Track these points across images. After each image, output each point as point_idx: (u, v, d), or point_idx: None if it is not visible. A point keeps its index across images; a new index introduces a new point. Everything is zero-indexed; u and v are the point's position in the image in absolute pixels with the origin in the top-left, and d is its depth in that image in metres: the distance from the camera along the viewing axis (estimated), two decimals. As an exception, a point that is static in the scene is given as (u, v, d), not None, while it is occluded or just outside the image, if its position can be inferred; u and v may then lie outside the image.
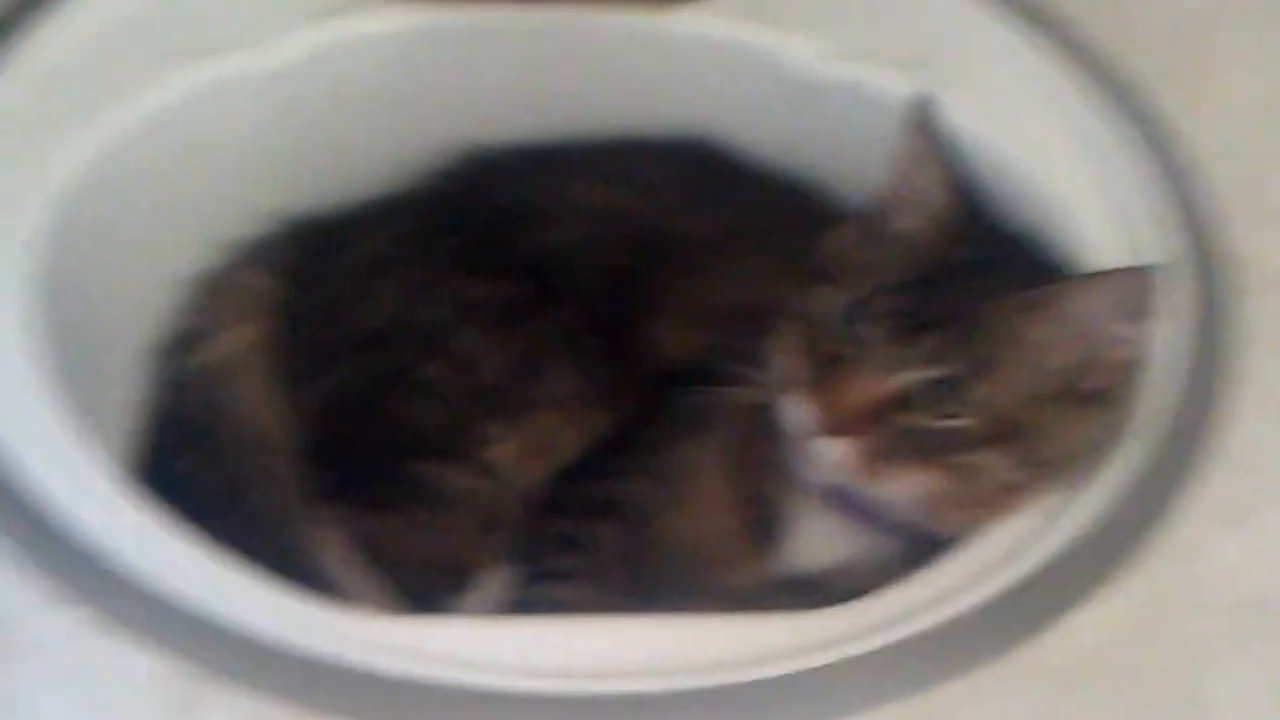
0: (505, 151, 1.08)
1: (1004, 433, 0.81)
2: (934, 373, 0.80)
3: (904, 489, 0.83)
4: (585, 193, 1.05)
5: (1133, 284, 0.81)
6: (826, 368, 0.83)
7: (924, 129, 0.86)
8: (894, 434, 0.81)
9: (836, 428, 0.81)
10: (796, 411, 0.83)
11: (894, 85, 1.04)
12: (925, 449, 0.81)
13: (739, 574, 0.92)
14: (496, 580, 0.97)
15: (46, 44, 0.98)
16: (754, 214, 1.05)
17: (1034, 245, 0.91)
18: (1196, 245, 0.94)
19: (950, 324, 0.81)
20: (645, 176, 1.06)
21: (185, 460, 0.98)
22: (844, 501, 0.88)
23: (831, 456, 0.82)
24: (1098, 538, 0.82)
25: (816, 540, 0.90)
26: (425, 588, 0.97)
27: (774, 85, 1.07)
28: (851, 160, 1.05)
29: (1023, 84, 1.03)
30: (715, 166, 1.09)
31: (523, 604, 0.94)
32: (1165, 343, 0.87)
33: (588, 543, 0.94)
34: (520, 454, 0.97)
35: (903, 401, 0.81)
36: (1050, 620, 0.79)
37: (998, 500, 0.83)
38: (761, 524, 0.91)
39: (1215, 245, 0.95)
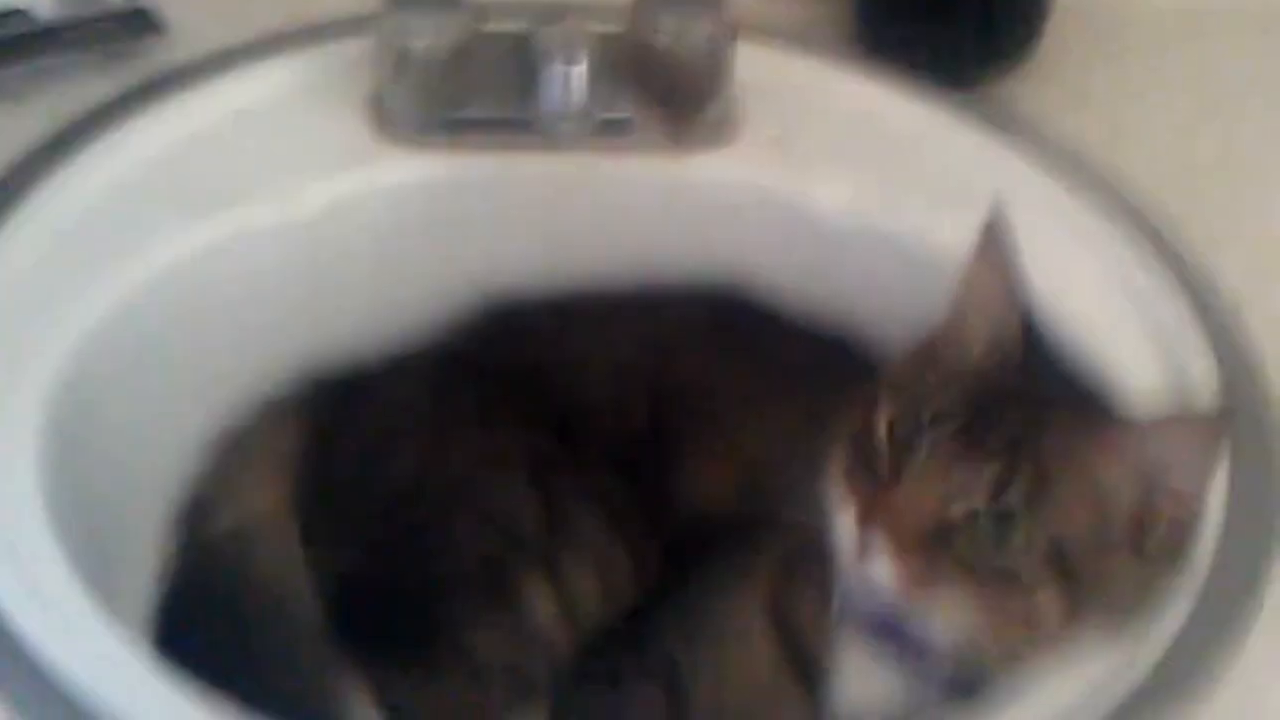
0: (528, 304, 1.05)
1: (1059, 573, 0.77)
2: (996, 502, 0.76)
3: (951, 620, 0.79)
4: (609, 346, 1.02)
5: (1205, 433, 0.77)
6: (881, 489, 0.79)
7: (996, 248, 0.82)
8: (945, 560, 0.77)
9: (887, 547, 0.77)
10: (847, 531, 0.80)
11: (922, 228, 1.03)
12: (976, 580, 0.77)
13: None
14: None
15: (60, 197, 0.96)
16: (785, 363, 1.01)
17: (1097, 382, 0.87)
18: (1240, 388, 0.92)
19: (1014, 454, 0.77)
20: (670, 327, 1.03)
21: (205, 631, 0.94)
22: (892, 643, 0.83)
23: (880, 578, 0.78)
24: (1151, 693, 0.78)
25: (867, 694, 0.85)
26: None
27: (799, 230, 1.05)
28: (879, 305, 1.03)
29: (1054, 224, 1.01)
30: (741, 313, 1.05)
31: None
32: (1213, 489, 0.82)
33: (624, 713, 0.90)
34: (556, 612, 0.93)
35: (959, 528, 0.77)
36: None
37: (1046, 643, 0.79)
38: (808, 679, 0.87)
39: (1259, 388, 0.92)
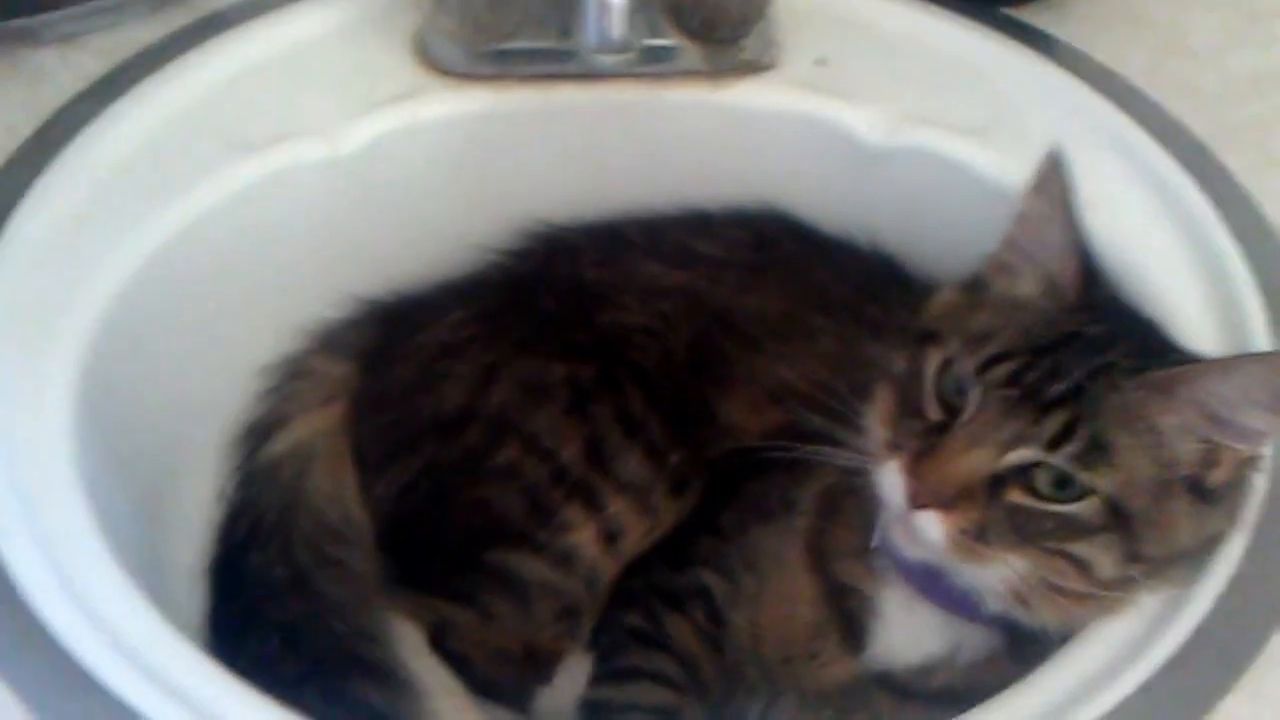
0: (571, 230, 1.02)
1: (1116, 523, 0.71)
2: (1053, 456, 0.70)
3: (1001, 574, 0.73)
4: (651, 270, 0.99)
5: (1275, 371, 0.70)
6: (930, 435, 0.73)
7: (1054, 187, 0.76)
8: (997, 513, 0.71)
9: (937, 501, 0.71)
10: (893, 481, 0.73)
11: (965, 151, 0.99)
12: (1029, 532, 0.71)
13: (827, 672, 0.83)
14: (575, 670, 0.92)
15: (110, 135, 0.94)
16: (824, 284, 0.98)
17: (1155, 320, 0.81)
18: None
19: (1072, 400, 0.70)
20: (712, 251, 1.00)
21: (259, 552, 0.93)
22: (935, 589, 0.78)
23: (928, 532, 0.72)
24: (1206, 646, 0.74)
25: (908, 634, 0.81)
26: (503, 679, 0.92)
27: (841, 154, 1.01)
28: (923, 229, 1.00)
29: (1097, 146, 0.97)
30: (782, 236, 1.02)
31: (594, 705, 0.88)
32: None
33: (661, 638, 0.88)
34: (596, 540, 0.91)
35: (1012, 479, 0.71)
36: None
37: (1099, 596, 0.73)
38: (848, 617, 0.83)
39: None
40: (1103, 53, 1.04)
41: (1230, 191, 0.95)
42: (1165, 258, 0.92)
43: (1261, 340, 0.86)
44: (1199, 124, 0.99)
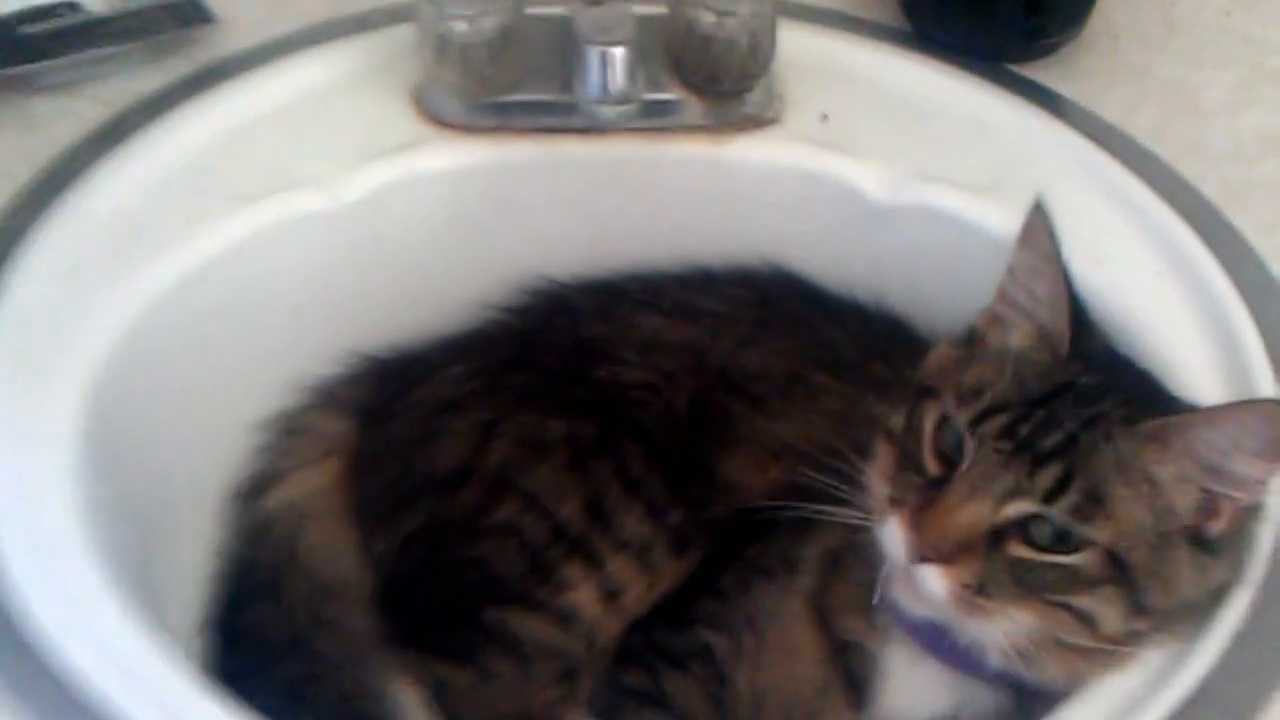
0: (572, 285, 1.02)
1: (1117, 575, 0.71)
2: (1049, 508, 0.70)
3: (1004, 629, 0.73)
4: (653, 326, 0.99)
5: (1268, 418, 0.70)
6: (930, 489, 0.73)
7: (1041, 240, 0.76)
8: (998, 566, 0.71)
9: (938, 554, 0.72)
10: (894, 535, 0.73)
11: (967, 208, 0.98)
12: (1030, 585, 0.71)
13: None
14: (576, 733, 0.90)
15: (111, 184, 0.94)
16: (828, 341, 0.97)
17: (1149, 370, 0.81)
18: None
19: (1067, 452, 0.71)
20: (714, 307, 1.00)
21: (255, 610, 0.92)
22: (939, 645, 0.78)
23: (930, 586, 0.72)
24: (1210, 703, 0.72)
25: (912, 691, 0.80)
26: (503, 740, 0.90)
27: (844, 210, 1.00)
28: (925, 285, 0.99)
29: (1100, 203, 0.97)
30: (786, 293, 1.01)
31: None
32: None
33: (663, 698, 0.86)
34: (596, 599, 0.90)
35: (1011, 532, 0.71)
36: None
37: (1104, 651, 0.73)
38: (852, 675, 0.82)
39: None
40: (1111, 111, 1.04)
41: (1239, 251, 0.94)
42: (1173, 316, 0.91)
43: (1266, 394, 0.85)
44: (1208, 183, 0.98)
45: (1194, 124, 1.03)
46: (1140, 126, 1.02)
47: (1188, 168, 0.99)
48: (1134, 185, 0.98)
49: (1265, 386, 0.86)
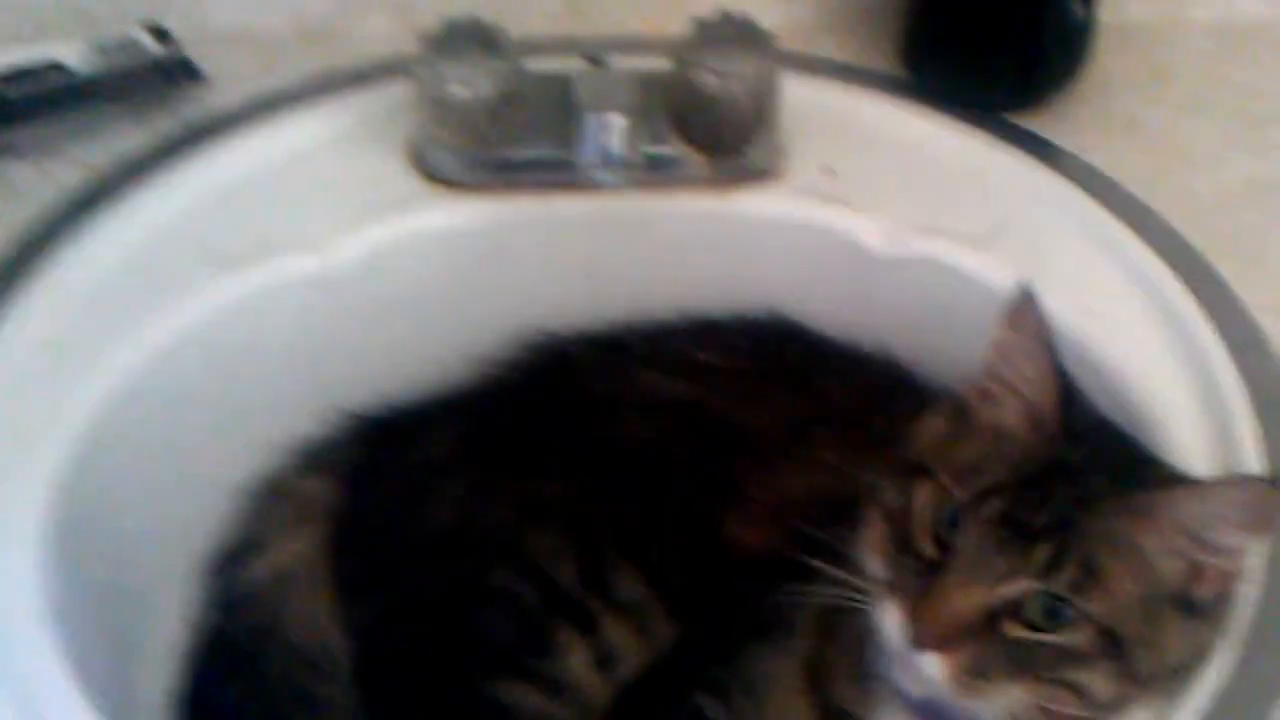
0: (571, 340, 1.01)
1: (1110, 648, 0.72)
2: (1047, 585, 0.71)
3: (1000, 704, 0.74)
4: (652, 380, 0.98)
5: (1254, 494, 0.72)
6: (926, 575, 0.74)
7: (1027, 320, 0.77)
8: (995, 648, 0.72)
9: (938, 642, 0.72)
10: (893, 622, 0.74)
11: (968, 259, 0.98)
12: (1027, 664, 0.72)
13: None
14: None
15: (86, 251, 0.93)
16: (830, 393, 0.97)
17: (1137, 439, 0.82)
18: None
19: (1061, 531, 0.72)
20: (715, 360, 0.99)
21: (232, 688, 0.90)
22: (932, 715, 0.78)
23: (930, 672, 0.73)
24: None
25: None
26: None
27: (846, 263, 1.01)
28: (926, 337, 0.99)
29: (1095, 253, 0.98)
30: (788, 344, 1.01)
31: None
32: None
33: None
34: (590, 665, 0.89)
35: (1006, 613, 0.72)
36: None
37: (1095, 717, 0.74)
38: None
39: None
40: (1102, 160, 1.04)
41: (1223, 300, 0.95)
42: (1158, 367, 0.92)
43: (1250, 449, 0.86)
44: (1195, 231, 0.99)
45: (1183, 173, 1.04)
46: (1130, 175, 1.03)
47: (1175, 215, 1.00)
48: (1125, 235, 0.99)
49: (1247, 435, 0.87)
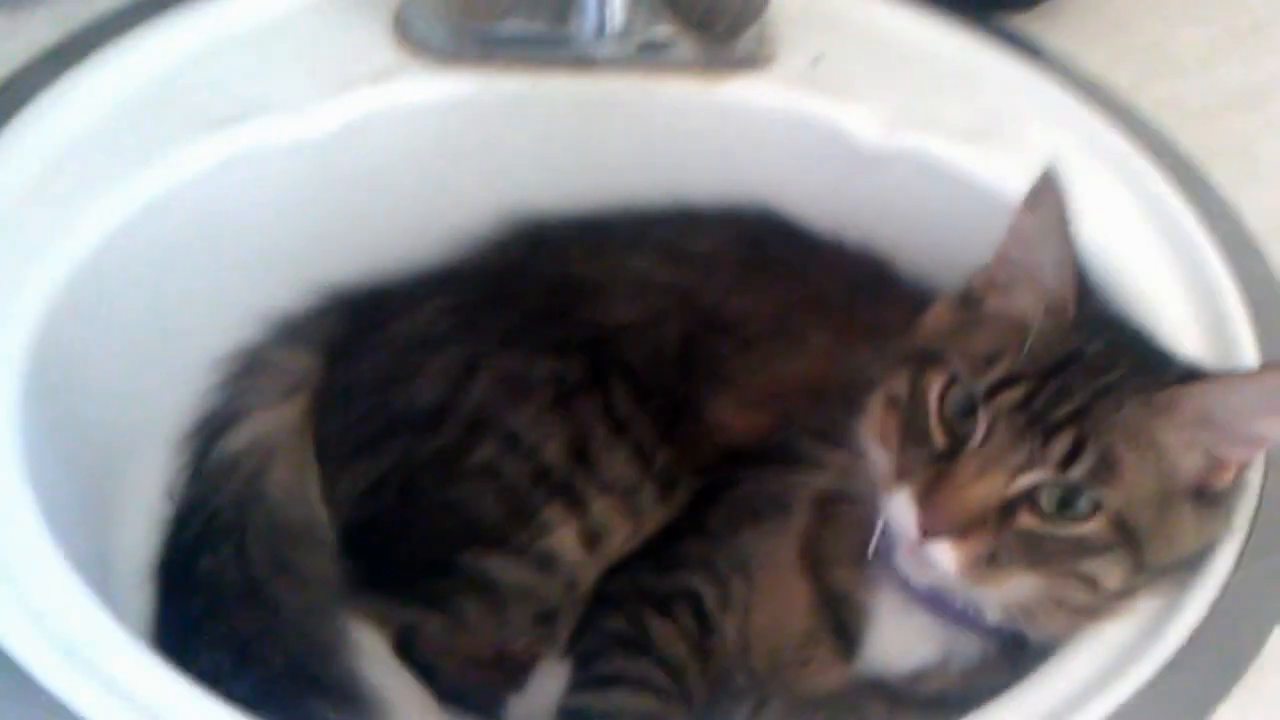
0: (557, 222, 1.02)
1: (1123, 539, 0.73)
2: (1065, 475, 0.72)
3: (1009, 594, 0.76)
4: (640, 265, 0.99)
5: (1273, 380, 0.73)
6: (939, 463, 0.74)
7: (1048, 204, 0.77)
8: (1008, 538, 0.73)
9: (950, 531, 0.73)
10: (903, 511, 0.74)
11: (955, 154, 1.01)
12: (1040, 554, 0.74)
13: (818, 679, 0.84)
14: (550, 677, 0.91)
15: (61, 107, 0.93)
16: (816, 284, 0.99)
17: (1149, 333, 0.83)
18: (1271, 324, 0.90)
19: (1080, 421, 0.72)
20: (703, 248, 1.00)
21: (209, 557, 0.91)
22: (936, 601, 0.80)
23: (940, 560, 0.74)
24: (1204, 649, 0.76)
25: (903, 641, 0.82)
26: (474, 686, 0.91)
27: (833, 154, 1.03)
28: (912, 230, 1.02)
29: (1082, 155, 0.99)
30: (774, 236, 1.02)
31: (573, 713, 0.88)
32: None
33: (645, 643, 0.87)
34: (578, 542, 0.91)
35: (1021, 503, 0.73)
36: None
37: (1104, 607, 0.76)
38: (841, 624, 0.84)
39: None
40: (1092, 64, 1.07)
41: (1214, 204, 0.98)
42: (1151, 268, 0.95)
43: (1247, 346, 0.89)
44: (1184, 137, 1.02)
45: (1172, 78, 1.07)
46: (1121, 80, 1.06)
47: (1165, 120, 1.03)
48: (1114, 138, 1.02)
49: (1243, 335, 0.90)
